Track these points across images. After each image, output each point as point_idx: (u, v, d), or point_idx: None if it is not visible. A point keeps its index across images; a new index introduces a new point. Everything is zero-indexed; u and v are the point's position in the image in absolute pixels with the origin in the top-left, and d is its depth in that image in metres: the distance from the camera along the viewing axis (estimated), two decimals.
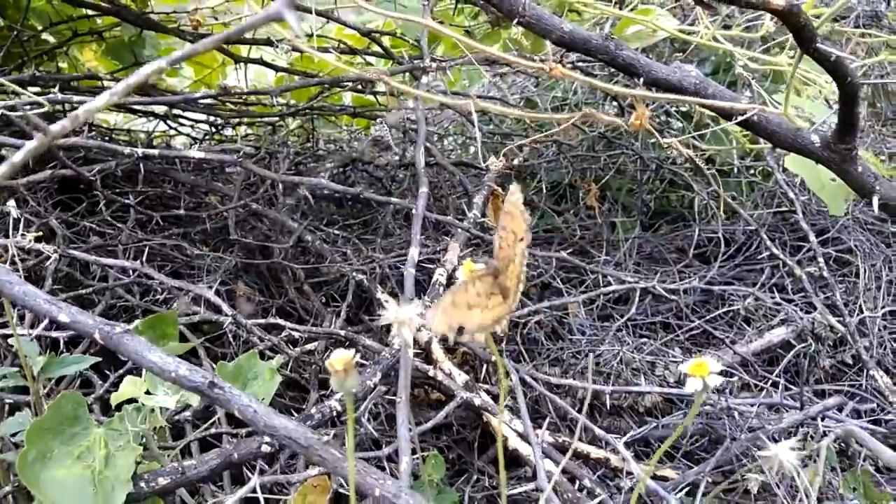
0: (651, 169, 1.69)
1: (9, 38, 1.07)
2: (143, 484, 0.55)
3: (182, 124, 1.70)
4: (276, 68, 1.28)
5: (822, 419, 0.94)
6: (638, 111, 0.65)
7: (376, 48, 1.15)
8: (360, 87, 1.12)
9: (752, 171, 1.75)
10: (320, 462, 0.40)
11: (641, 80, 0.71)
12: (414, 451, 1.07)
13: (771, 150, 1.53)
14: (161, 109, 1.80)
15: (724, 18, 1.38)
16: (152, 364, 0.43)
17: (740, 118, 0.67)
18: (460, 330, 0.38)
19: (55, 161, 1.08)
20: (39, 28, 1.23)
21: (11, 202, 0.58)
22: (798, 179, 1.73)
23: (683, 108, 1.74)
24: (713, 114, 1.57)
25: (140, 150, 0.77)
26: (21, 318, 0.66)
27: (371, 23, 1.21)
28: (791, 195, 1.49)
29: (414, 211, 0.78)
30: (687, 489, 0.94)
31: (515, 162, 1.40)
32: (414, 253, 0.71)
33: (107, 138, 1.49)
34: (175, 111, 1.77)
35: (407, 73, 0.98)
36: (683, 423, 0.50)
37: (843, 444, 0.97)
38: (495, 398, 0.96)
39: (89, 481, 0.53)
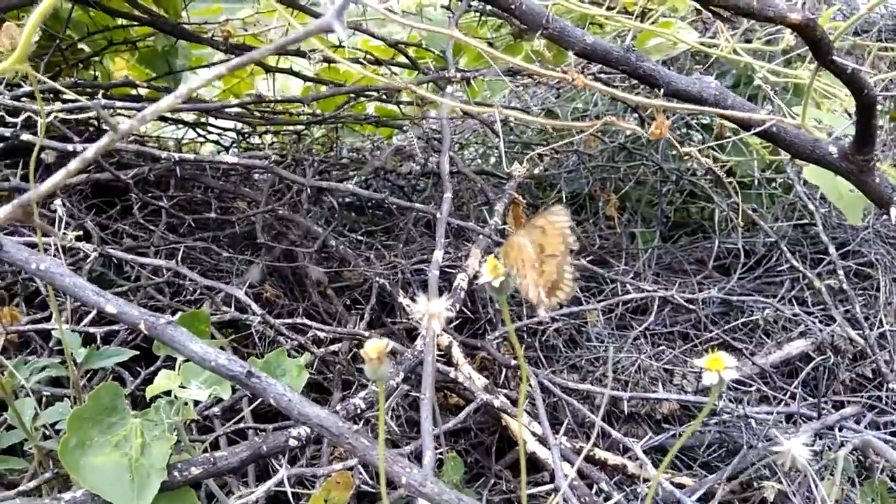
0: (671, 180, 1.70)
1: (49, 47, 1.11)
2: (176, 473, 0.58)
3: (210, 132, 1.74)
4: (305, 78, 1.31)
5: (840, 429, 0.94)
6: (658, 121, 0.67)
7: (402, 59, 1.17)
8: (384, 96, 1.15)
9: (772, 184, 1.76)
10: (350, 450, 0.42)
11: (661, 91, 0.73)
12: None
13: (790, 161, 1.54)
14: (190, 117, 1.85)
15: (744, 32, 1.40)
16: (194, 353, 0.46)
17: (758, 129, 0.69)
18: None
19: (91, 165, 1.12)
20: (76, 38, 1.27)
21: (58, 201, 0.61)
22: (819, 193, 1.74)
23: (704, 121, 1.76)
24: (733, 125, 1.59)
25: (176, 155, 0.80)
26: (60, 312, 0.69)
27: (397, 34, 1.24)
28: (811, 207, 1.49)
29: (438, 215, 0.80)
30: (703, 498, 0.94)
31: (536, 171, 1.42)
32: (438, 255, 0.73)
33: (140, 145, 1.53)
34: (203, 119, 1.82)
35: (432, 84, 1.00)
36: (697, 419, 0.52)
37: (860, 456, 0.98)
38: (514, 402, 0.98)
39: (126, 468, 0.56)
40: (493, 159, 1.83)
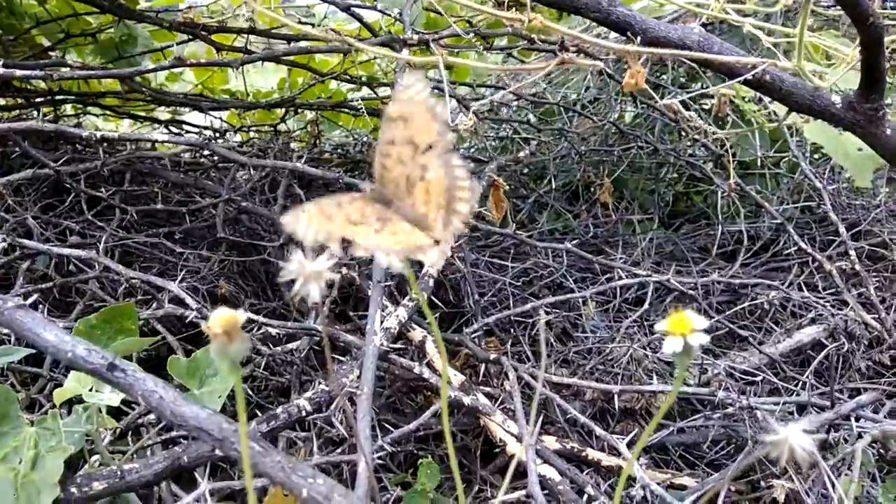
0: (669, 162, 1.61)
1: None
2: (73, 489, 0.49)
3: (188, 131, 1.67)
4: (280, 61, 1.22)
5: (857, 419, 0.84)
6: (633, 69, 0.59)
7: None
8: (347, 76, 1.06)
9: (777, 165, 1.66)
10: (237, 458, 0.34)
11: (638, 39, 0.64)
12: (414, 458, 1.01)
13: (794, 134, 1.45)
14: (164, 116, 1.78)
15: None
16: (48, 343, 0.37)
17: (749, 74, 0.60)
18: (347, 243, 0.31)
19: (41, 163, 1.05)
20: (27, 27, 1.20)
21: None
22: (826, 170, 1.64)
23: (706, 106, 1.67)
24: (733, 104, 1.49)
25: (98, 133, 0.72)
26: None
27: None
28: (818, 185, 1.40)
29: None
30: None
31: (521, 155, 1.33)
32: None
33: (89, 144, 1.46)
34: (178, 117, 1.74)
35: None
36: (670, 395, 0.43)
37: (881, 448, 0.88)
38: (494, 399, 0.89)
39: (10, 485, 0.48)
40: (473, 148, 1.75)
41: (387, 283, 0.62)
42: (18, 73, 0.68)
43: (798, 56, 0.56)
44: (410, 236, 0.31)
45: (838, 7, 1.40)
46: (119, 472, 0.51)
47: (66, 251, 0.75)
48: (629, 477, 0.86)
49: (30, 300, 0.41)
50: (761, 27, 0.93)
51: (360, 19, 0.97)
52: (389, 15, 1.00)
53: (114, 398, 0.56)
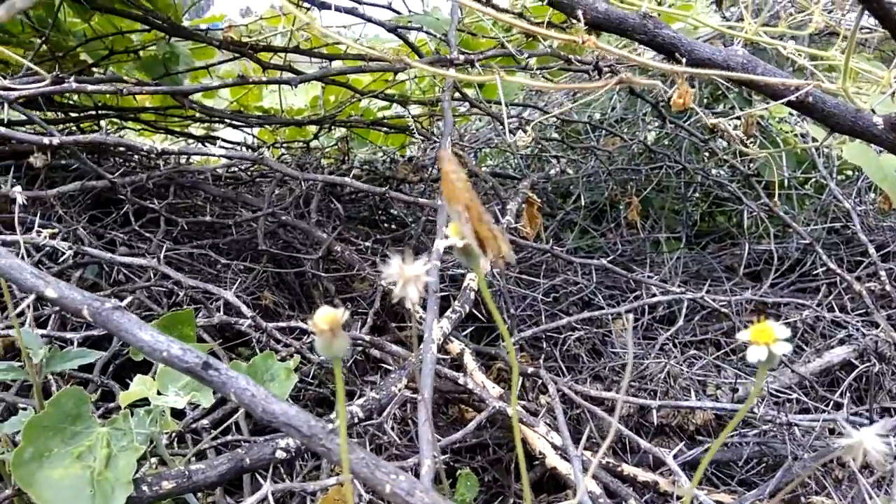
0: (696, 182, 1.62)
1: (45, 55, 1.08)
2: (145, 487, 0.51)
3: (222, 146, 1.70)
4: (316, 78, 1.25)
5: None
6: (681, 89, 0.60)
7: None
8: (390, 97, 1.09)
9: (804, 185, 1.67)
10: (325, 453, 0.35)
11: (684, 60, 0.66)
12: (450, 471, 1.02)
13: (823, 157, 1.46)
14: (198, 132, 1.82)
15: (769, 18, 1.33)
16: (143, 343, 0.39)
17: (793, 96, 0.61)
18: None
19: (89, 175, 1.08)
20: (74, 45, 1.24)
21: (17, 188, 0.56)
22: (854, 192, 1.65)
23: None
24: (761, 122, 1.50)
25: (158, 146, 0.75)
26: (20, 314, 0.63)
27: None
28: (847, 206, 1.40)
29: (440, 202, 0.74)
30: None
31: (552, 172, 1.35)
32: (440, 245, 0.66)
33: (146, 158, 1.50)
34: (213, 134, 1.79)
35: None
36: (740, 412, 0.44)
37: None
38: (532, 413, 0.90)
39: (88, 482, 0.49)
40: (510, 171, 1.77)
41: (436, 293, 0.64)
42: (90, 87, 0.71)
43: (844, 78, 0.57)
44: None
45: (865, 31, 1.42)
46: (187, 473, 0.52)
47: (127, 259, 0.77)
48: (668, 494, 0.87)
49: (125, 302, 0.43)
50: (797, 50, 0.95)
51: (405, 40, 1.00)
52: (435, 36, 1.03)
53: (178, 401, 0.58)
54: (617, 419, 0.75)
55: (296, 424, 0.36)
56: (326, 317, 0.29)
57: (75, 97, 1.51)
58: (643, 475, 0.89)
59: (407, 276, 0.30)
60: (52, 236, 0.67)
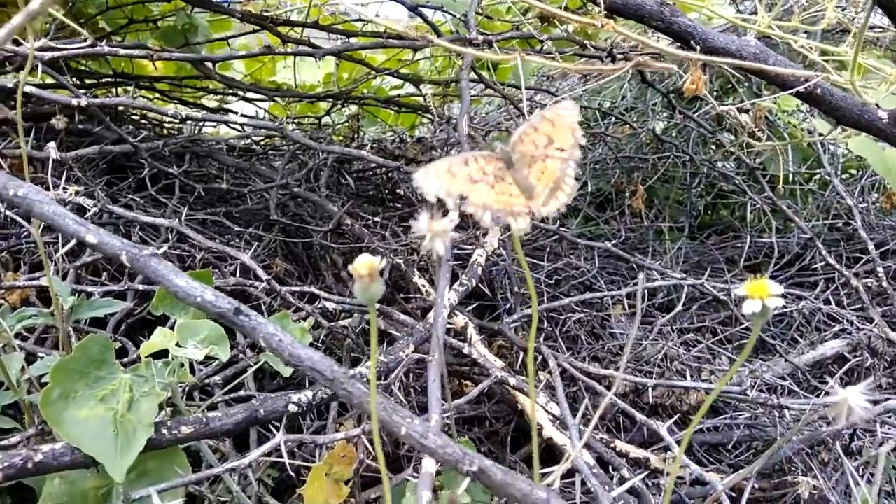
0: (702, 172, 1.64)
1: (65, 25, 1.09)
2: (165, 431, 0.54)
3: (244, 116, 1.72)
4: (331, 53, 1.28)
5: (881, 424, 0.87)
6: (693, 75, 0.62)
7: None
8: (403, 74, 1.11)
9: (809, 181, 1.69)
10: (346, 397, 0.38)
11: (698, 48, 0.68)
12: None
13: (827, 153, 1.48)
14: (211, 104, 1.84)
15: (782, 13, 1.34)
16: (178, 288, 0.42)
17: (801, 87, 0.63)
18: (462, 199, 0.36)
19: (106, 140, 1.10)
20: (94, 13, 1.26)
21: (52, 144, 0.58)
22: (857, 188, 1.67)
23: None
24: (768, 115, 1.52)
25: (183, 112, 0.77)
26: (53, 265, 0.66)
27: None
28: (849, 202, 1.42)
29: None
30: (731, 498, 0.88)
31: None
32: (453, 214, 0.69)
33: (158, 127, 1.52)
34: (226, 107, 1.81)
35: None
36: (733, 368, 0.48)
37: None
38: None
39: (111, 423, 0.52)
40: None
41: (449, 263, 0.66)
42: (122, 51, 0.73)
43: (852, 72, 0.59)
44: (512, 199, 0.36)
45: (878, 30, 1.43)
46: (204, 420, 0.55)
47: (150, 219, 0.79)
48: (658, 470, 0.90)
49: (161, 250, 0.46)
50: (807, 45, 0.97)
51: (425, 18, 1.02)
52: (455, 16, 1.05)
53: (198, 353, 0.61)
54: (613, 393, 0.77)
55: (320, 368, 0.38)
56: (366, 263, 0.32)
57: (90, 65, 1.52)
58: (635, 451, 0.92)
59: (435, 230, 0.32)
60: (77, 193, 0.70)
